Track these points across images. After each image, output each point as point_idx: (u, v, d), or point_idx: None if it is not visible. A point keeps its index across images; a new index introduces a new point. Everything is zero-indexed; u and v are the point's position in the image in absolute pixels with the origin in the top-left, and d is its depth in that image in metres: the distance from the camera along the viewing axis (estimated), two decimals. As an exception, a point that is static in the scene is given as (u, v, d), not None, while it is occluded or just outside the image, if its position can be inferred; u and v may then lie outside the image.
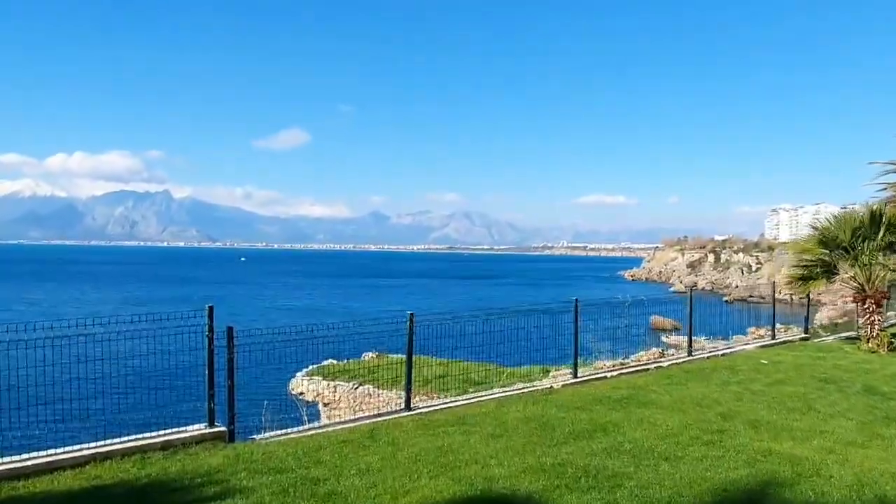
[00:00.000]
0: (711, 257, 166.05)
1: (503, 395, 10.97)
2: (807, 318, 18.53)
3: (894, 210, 17.08)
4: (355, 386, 16.73)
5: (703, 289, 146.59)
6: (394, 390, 15.44)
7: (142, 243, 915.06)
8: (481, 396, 10.91)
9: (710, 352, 15.11)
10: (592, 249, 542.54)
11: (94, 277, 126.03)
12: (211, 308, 8.18)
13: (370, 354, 17.98)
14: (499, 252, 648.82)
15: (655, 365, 13.40)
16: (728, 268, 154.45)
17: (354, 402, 16.46)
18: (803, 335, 17.71)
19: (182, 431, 7.90)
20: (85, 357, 7.46)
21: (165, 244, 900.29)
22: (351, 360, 17.64)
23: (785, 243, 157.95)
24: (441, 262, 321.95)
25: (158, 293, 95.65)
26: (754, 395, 10.72)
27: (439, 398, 14.77)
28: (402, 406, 10.14)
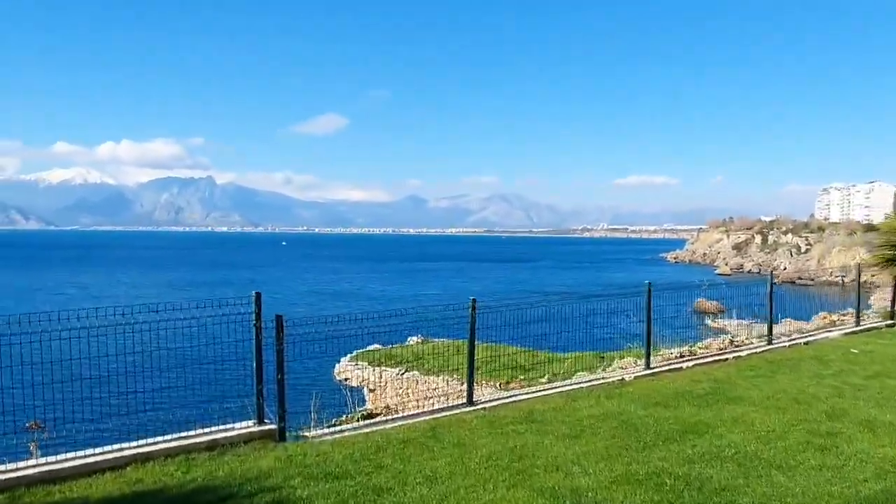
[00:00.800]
0: (758, 238, 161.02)
1: (570, 387, 10.06)
2: (893, 303, 16.98)
3: None
4: (401, 372, 16.36)
5: (749, 271, 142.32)
6: (441, 376, 15.08)
7: (187, 229, 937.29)
8: (547, 389, 10.02)
9: (791, 340, 13.88)
10: (633, 231, 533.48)
11: (141, 262, 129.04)
12: (258, 294, 7.43)
13: (415, 339, 17.48)
14: (537, 235, 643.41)
15: (734, 355, 12.26)
16: (776, 249, 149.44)
17: (401, 388, 15.99)
18: (889, 322, 16.25)
19: (229, 429, 7.22)
20: (123, 349, 6.81)
21: (209, 229, 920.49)
22: (396, 346, 17.14)
23: (836, 224, 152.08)
24: (478, 244, 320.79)
25: (202, 277, 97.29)
26: (857, 391, 9.55)
27: (492, 385, 13.99)
28: (464, 400, 9.30)
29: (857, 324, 15.80)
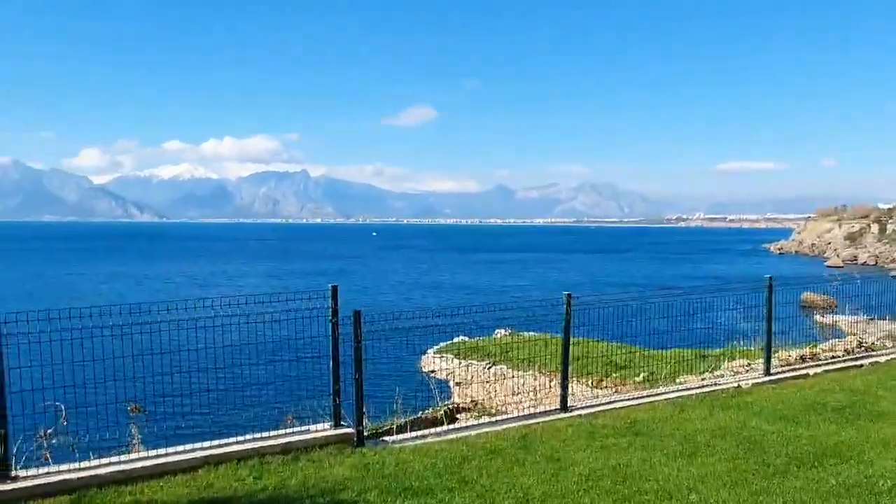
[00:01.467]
0: (875, 228, 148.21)
1: (677, 394, 9.02)
2: None
3: None
4: (488, 365, 15.83)
5: (864, 263, 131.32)
6: (529, 371, 14.37)
7: (283, 220, 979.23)
8: (651, 396, 9.01)
9: (939, 343, 12.06)
10: (733, 220, 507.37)
11: (243, 253, 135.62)
12: (335, 288, 6.92)
13: (502, 331, 16.87)
14: (627, 224, 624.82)
15: (870, 360, 10.72)
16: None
17: (488, 381, 15.40)
18: None
19: (304, 432, 6.76)
20: (196, 343, 6.49)
21: (304, 221, 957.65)
22: (483, 338, 16.56)
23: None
24: (566, 235, 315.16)
25: (298, 266, 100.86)
26: None
27: (583, 383, 13.06)
28: (558, 405, 8.48)
29: None
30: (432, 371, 16.35)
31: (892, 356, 11.11)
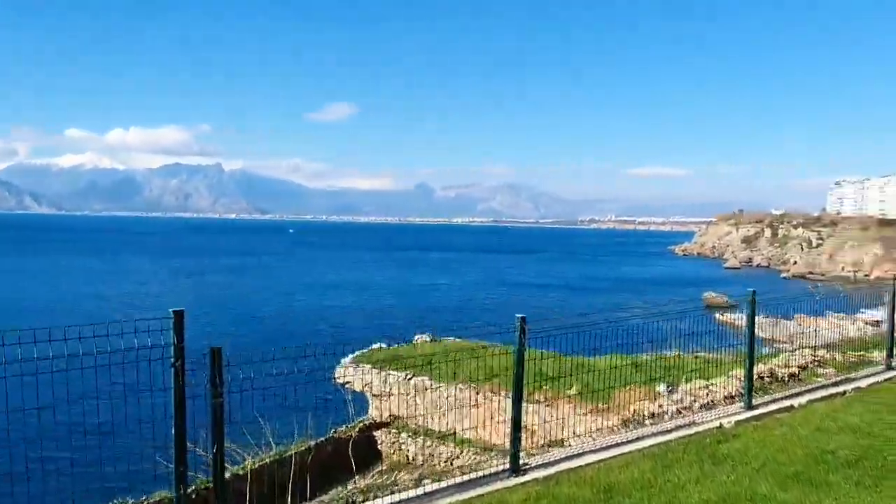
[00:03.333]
0: (768, 232, 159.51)
1: (654, 440, 7.85)
2: None
3: None
4: (408, 377, 15.05)
5: (758, 265, 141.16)
6: (453, 385, 13.72)
7: (195, 215, 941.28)
8: (623, 444, 7.76)
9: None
10: (642, 223, 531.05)
11: (141, 248, 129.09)
12: (179, 316, 4.99)
13: (422, 337, 16.38)
14: (543, 225, 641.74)
15: (852, 385, 9.99)
16: (786, 243, 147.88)
17: (408, 395, 14.60)
18: None
19: None
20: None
21: (217, 216, 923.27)
22: (402, 345, 16.09)
23: (850, 218, 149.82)
24: (483, 235, 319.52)
25: (206, 264, 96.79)
26: None
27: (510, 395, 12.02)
28: (507, 465, 6.89)
29: None
30: (347, 382, 15.35)
31: (872, 380, 10.41)
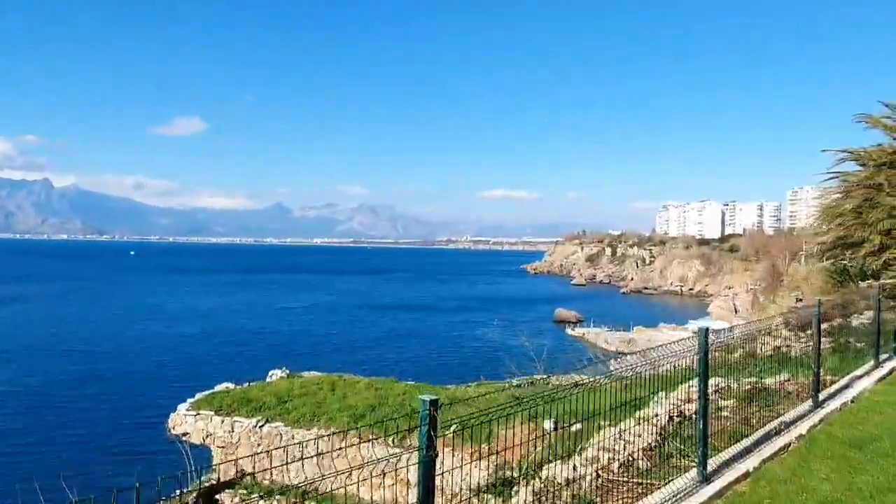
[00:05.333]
0: (609, 251, 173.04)
1: None
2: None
3: None
4: (259, 423, 12.72)
5: (600, 281, 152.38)
6: (312, 430, 11.94)
7: (18, 236, 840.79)
8: None
9: (832, 396, 10.16)
10: (496, 243, 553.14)
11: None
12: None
13: (278, 373, 14.74)
14: (403, 246, 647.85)
15: (796, 434, 8.20)
16: (624, 261, 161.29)
17: (259, 446, 12.38)
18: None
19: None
20: None
21: (45, 237, 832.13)
22: (256, 383, 13.88)
23: (674, 238, 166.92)
24: (343, 255, 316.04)
25: (23, 291, 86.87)
26: None
27: (384, 443, 10.70)
28: None
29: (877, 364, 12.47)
30: (185, 434, 13.20)
31: (809, 424, 8.76)
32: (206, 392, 13.38)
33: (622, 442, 6.45)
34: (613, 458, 6.81)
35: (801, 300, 29.23)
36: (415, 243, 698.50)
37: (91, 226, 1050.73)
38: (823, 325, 10.59)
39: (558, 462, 6.58)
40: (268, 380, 14.12)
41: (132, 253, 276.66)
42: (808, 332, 10.27)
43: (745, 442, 7.52)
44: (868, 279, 18.97)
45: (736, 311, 77.94)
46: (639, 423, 6.48)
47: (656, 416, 6.58)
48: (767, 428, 8.01)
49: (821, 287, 23.71)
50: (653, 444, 6.02)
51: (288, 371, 14.31)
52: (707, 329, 6.23)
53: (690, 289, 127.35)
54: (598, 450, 6.19)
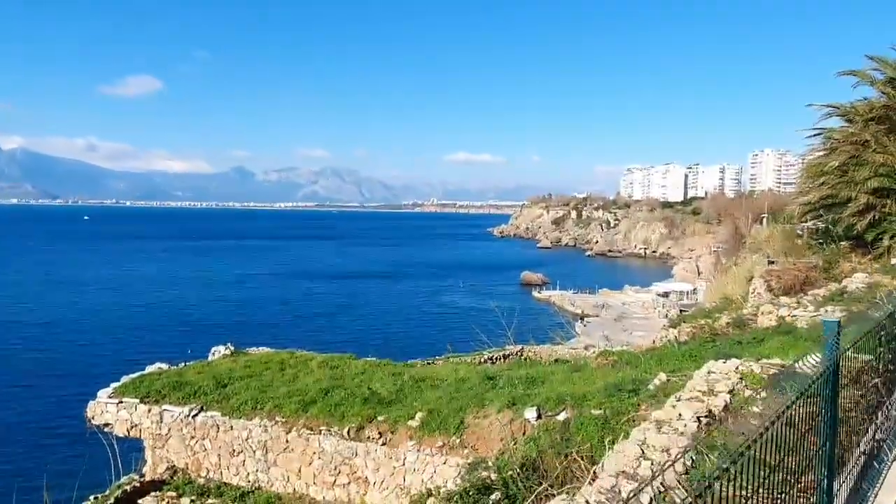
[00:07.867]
0: (574, 214, 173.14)
1: None
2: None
3: None
4: (193, 412, 10.86)
5: (566, 244, 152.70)
6: (255, 420, 10.23)
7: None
8: None
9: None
10: (461, 207, 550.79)
11: None
12: None
13: (221, 350, 13.03)
14: (368, 209, 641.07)
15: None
16: (589, 224, 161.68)
17: (193, 439, 10.61)
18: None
19: None
20: None
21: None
22: (193, 363, 12.12)
23: (639, 201, 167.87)
24: (307, 219, 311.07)
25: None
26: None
27: (338, 433, 9.59)
28: None
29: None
30: (106, 425, 11.30)
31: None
32: (135, 375, 11.52)
33: (646, 462, 4.43)
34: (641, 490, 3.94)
35: (773, 262, 28.75)
36: (381, 207, 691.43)
37: (43, 190, 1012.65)
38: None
39: (560, 499, 4.65)
40: (210, 359, 12.37)
41: (86, 218, 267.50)
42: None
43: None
44: (852, 241, 18.28)
45: (700, 274, 78.55)
46: (659, 431, 4.80)
47: (679, 417, 4.97)
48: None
49: (784, 248, 22.96)
50: (688, 466, 3.79)
51: (232, 348, 12.59)
52: (838, 323, 3.94)
53: (654, 251, 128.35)
54: (617, 475, 4.24)
